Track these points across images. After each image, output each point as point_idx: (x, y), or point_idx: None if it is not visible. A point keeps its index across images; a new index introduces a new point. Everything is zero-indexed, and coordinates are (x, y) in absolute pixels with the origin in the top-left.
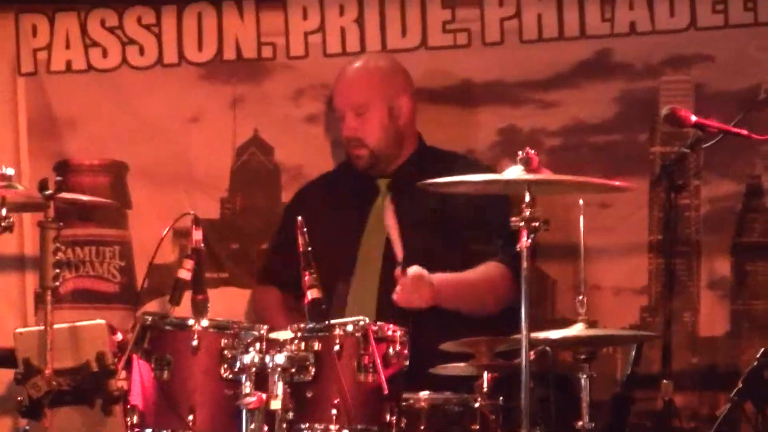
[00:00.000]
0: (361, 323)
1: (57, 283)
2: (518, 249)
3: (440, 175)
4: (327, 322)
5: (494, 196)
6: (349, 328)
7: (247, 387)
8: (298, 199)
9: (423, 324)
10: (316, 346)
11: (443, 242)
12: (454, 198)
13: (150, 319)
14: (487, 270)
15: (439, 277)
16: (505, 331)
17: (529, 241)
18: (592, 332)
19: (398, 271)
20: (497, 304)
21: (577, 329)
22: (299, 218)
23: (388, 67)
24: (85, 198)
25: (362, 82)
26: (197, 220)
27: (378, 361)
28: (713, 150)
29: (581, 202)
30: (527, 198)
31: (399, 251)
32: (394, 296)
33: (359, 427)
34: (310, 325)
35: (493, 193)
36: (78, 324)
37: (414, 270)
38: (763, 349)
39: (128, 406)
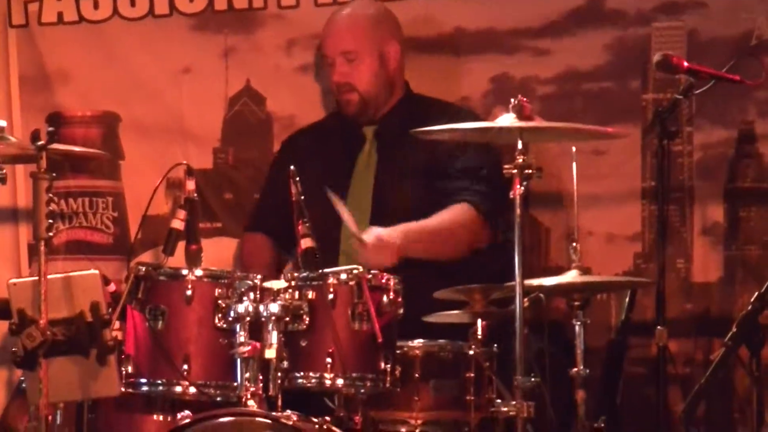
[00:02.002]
0: (355, 272)
1: (50, 234)
2: (510, 197)
3: (426, 123)
4: (321, 271)
5: (479, 144)
6: (343, 276)
7: (241, 336)
8: (286, 148)
9: (416, 272)
10: (310, 295)
11: (426, 189)
12: (439, 145)
13: (144, 269)
14: (455, 213)
15: (403, 228)
16: (499, 279)
17: (522, 188)
18: (585, 279)
19: (355, 244)
20: (468, 247)
21: (571, 276)
22: (291, 167)
23: (377, 14)
24: (77, 149)
25: (352, 28)
26: (190, 170)
27: (372, 309)
28: (706, 96)
29: (574, 149)
30: (519, 145)
31: (353, 226)
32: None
33: (354, 375)
34: (304, 274)
35: (478, 141)
36: (72, 274)
37: (372, 236)
38: (757, 294)
39: (123, 356)
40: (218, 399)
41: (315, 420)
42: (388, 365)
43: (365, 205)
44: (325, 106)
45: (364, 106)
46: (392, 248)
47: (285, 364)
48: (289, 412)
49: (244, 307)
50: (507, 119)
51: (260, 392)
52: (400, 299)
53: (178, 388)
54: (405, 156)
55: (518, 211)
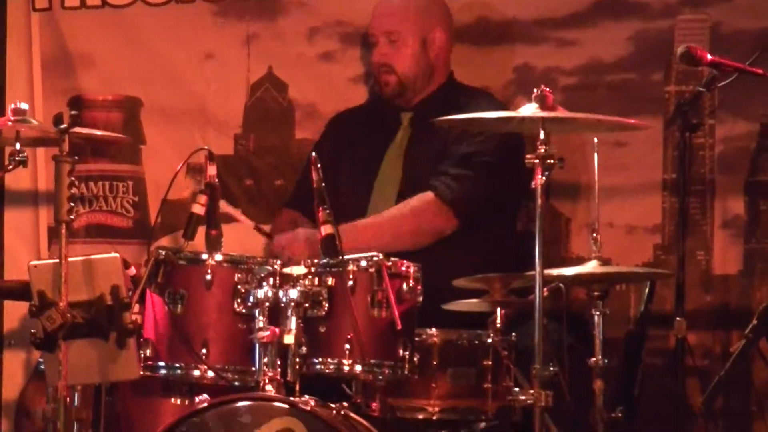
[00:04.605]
0: (375, 259)
1: (72, 217)
2: (532, 186)
3: (461, 112)
4: (341, 258)
5: (499, 135)
6: (363, 263)
7: (260, 322)
8: (329, 129)
9: (437, 260)
10: (330, 281)
11: None
12: (468, 134)
13: (164, 253)
14: (412, 202)
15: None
16: (519, 268)
17: (544, 178)
18: (605, 269)
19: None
20: (428, 236)
21: (591, 267)
22: (313, 154)
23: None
24: (99, 133)
25: (399, 10)
26: (211, 156)
27: (391, 296)
28: (728, 89)
29: (595, 140)
30: (542, 135)
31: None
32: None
33: (372, 362)
34: (324, 261)
35: (508, 132)
36: (92, 257)
37: (284, 234)
38: None
39: (141, 340)
40: (236, 384)
41: (332, 406)
42: (407, 352)
43: (393, 189)
44: (349, 93)
45: (401, 88)
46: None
47: (303, 349)
48: (306, 397)
49: (263, 292)
50: (530, 109)
51: (278, 377)
52: (419, 287)
53: (197, 372)
54: (435, 143)
55: (539, 201)
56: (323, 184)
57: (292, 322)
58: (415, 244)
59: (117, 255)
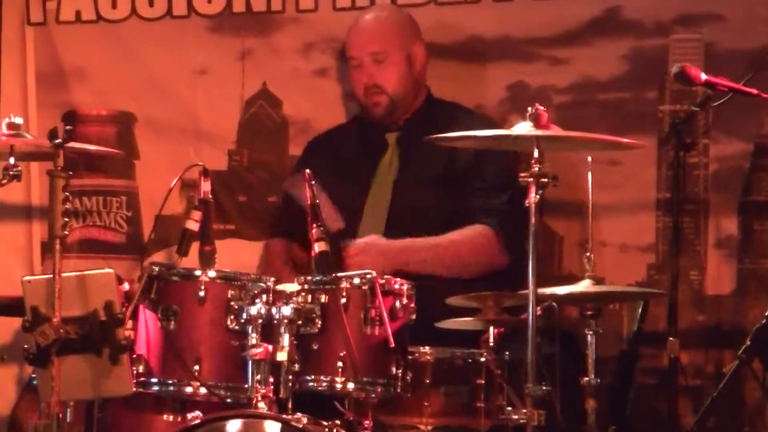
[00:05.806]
0: (368, 276)
1: (66, 232)
2: (525, 205)
3: (447, 129)
4: (334, 275)
5: (499, 153)
6: (356, 281)
7: (253, 338)
8: (308, 151)
9: (430, 279)
10: (323, 298)
11: (447, 197)
12: (460, 152)
13: (157, 269)
14: (471, 233)
15: (406, 242)
16: (512, 286)
17: (538, 196)
18: (598, 289)
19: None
20: (480, 268)
21: (584, 285)
22: (307, 171)
23: (402, 16)
24: (93, 148)
25: (380, 29)
26: (206, 172)
27: (384, 314)
28: (722, 109)
29: (589, 159)
30: (536, 154)
31: (334, 223)
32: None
33: (365, 379)
34: (317, 278)
35: (499, 149)
36: (86, 273)
37: (359, 242)
38: None
39: (134, 356)
40: (228, 400)
41: (325, 423)
42: (400, 370)
43: (381, 213)
44: (344, 109)
45: (392, 108)
46: (377, 259)
47: (296, 366)
48: (299, 414)
49: (256, 309)
50: (524, 127)
51: (271, 394)
52: (412, 304)
53: (189, 389)
54: (425, 165)
55: (533, 219)
56: (317, 201)
57: (285, 339)
58: (466, 275)
59: (111, 270)
